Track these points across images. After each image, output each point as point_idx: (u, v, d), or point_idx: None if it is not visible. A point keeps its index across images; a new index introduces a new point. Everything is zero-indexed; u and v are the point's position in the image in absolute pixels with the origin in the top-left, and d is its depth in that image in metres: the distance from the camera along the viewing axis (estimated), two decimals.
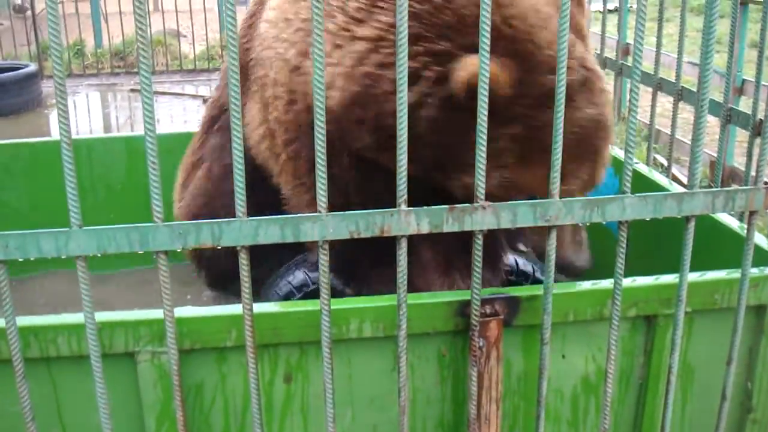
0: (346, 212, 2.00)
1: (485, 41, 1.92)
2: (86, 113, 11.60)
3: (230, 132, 1.95)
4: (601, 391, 2.40)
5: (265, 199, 3.06)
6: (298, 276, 3.30)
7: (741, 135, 8.46)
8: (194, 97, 12.38)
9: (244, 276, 2.03)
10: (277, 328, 2.33)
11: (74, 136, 5.57)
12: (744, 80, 7.59)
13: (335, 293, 3.04)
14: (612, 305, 2.24)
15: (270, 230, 1.99)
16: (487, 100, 1.97)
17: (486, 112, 1.98)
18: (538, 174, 2.58)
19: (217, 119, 3.99)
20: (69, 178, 1.88)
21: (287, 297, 3.23)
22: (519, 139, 2.61)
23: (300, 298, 3.20)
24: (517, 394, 2.56)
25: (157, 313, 2.22)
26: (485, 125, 1.98)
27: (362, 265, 3.05)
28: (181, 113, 11.39)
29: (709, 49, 2.09)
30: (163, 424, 2.36)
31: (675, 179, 5.99)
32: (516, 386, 2.55)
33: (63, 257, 1.96)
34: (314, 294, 3.14)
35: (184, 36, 15.34)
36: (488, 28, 1.91)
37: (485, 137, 1.99)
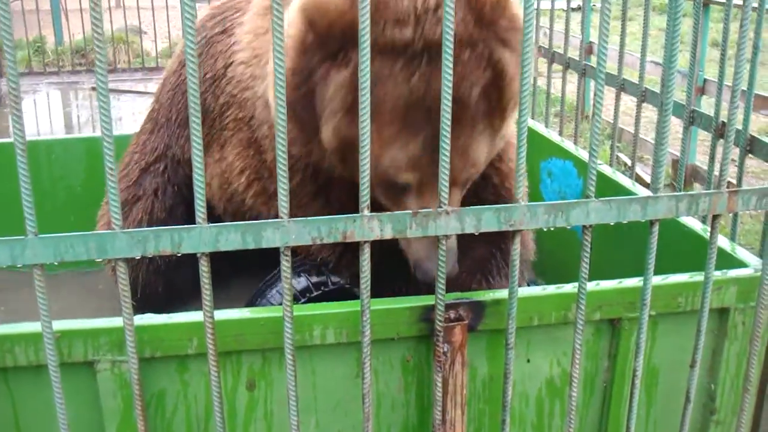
0: (308, 218, 1.98)
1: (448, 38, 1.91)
2: (47, 112, 11.45)
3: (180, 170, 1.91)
4: (566, 394, 2.39)
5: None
6: (301, 282, 3.24)
7: (703, 133, 8.55)
8: None
9: (205, 283, 1.99)
10: (240, 335, 2.30)
11: (34, 137, 5.52)
12: (705, 80, 7.66)
13: (349, 295, 3.02)
14: (576, 309, 2.23)
15: (231, 237, 1.96)
16: (450, 100, 1.95)
17: (450, 115, 1.96)
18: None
19: (156, 163, 3.96)
20: (24, 184, 1.83)
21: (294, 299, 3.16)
22: (346, 86, 2.40)
23: (304, 303, 3.13)
24: (482, 399, 2.55)
25: (116, 321, 2.17)
26: (449, 126, 1.96)
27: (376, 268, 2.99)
28: (143, 111, 11.29)
29: (673, 55, 2.09)
30: None
31: (638, 179, 6.03)
32: (481, 391, 2.54)
33: (18, 266, 1.91)
34: (318, 299, 3.10)
35: (146, 33, 15.20)
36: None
37: (449, 139, 1.97)
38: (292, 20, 2.52)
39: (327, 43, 2.40)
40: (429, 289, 2.29)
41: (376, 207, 2.57)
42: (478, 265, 3.05)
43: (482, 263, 3.07)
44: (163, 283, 4.02)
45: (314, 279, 3.19)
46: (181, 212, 3.90)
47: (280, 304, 3.13)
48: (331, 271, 3.19)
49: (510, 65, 2.42)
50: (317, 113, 2.52)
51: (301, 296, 3.16)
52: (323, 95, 2.47)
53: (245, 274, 3.75)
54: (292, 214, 3.07)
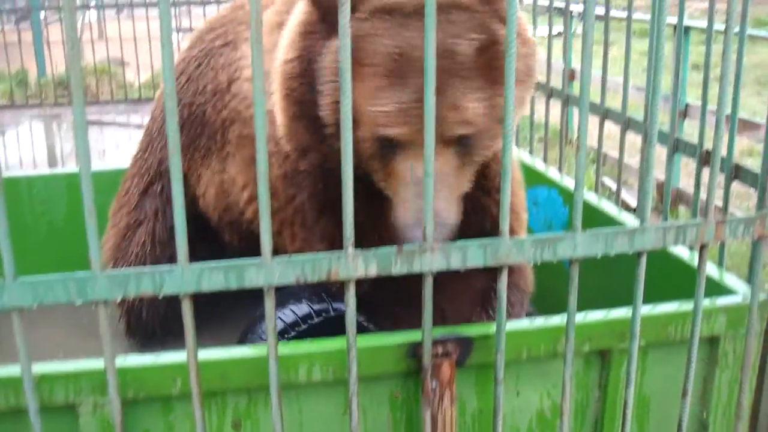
0: (292, 257, 1.95)
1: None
2: (30, 144, 11.40)
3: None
4: (557, 427, 2.36)
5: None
6: (302, 308, 3.19)
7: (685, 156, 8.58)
8: (140, 127, 12.23)
9: (188, 324, 1.96)
10: (224, 375, 2.27)
11: (15, 173, 5.45)
12: (687, 104, 7.70)
13: (359, 329, 2.95)
14: (566, 341, 2.21)
15: (213, 277, 1.92)
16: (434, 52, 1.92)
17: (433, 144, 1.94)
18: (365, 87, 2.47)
19: (153, 184, 3.96)
20: (0, 225, 1.80)
21: (283, 333, 3.11)
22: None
23: (303, 331, 3.09)
24: None
25: (98, 363, 2.13)
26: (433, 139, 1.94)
27: (385, 302, 2.97)
28: (127, 143, 11.25)
29: (656, 87, 2.08)
30: None
31: (624, 204, 6.02)
32: (471, 425, 2.51)
33: None
34: (319, 326, 3.03)
35: (128, 64, 15.18)
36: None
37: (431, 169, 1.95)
38: (298, 10, 2.64)
39: (327, 16, 2.46)
40: (375, 321, 2.27)
41: (367, 174, 2.61)
42: (479, 297, 3.05)
43: (483, 296, 3.06)
44: (165, 306, 3.98)
45: (316, 306, 3.14)
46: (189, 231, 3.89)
47: (280, 332, 3.10)
48: (332, 296, 3.16)
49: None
50: (319, 100, 2.56)
51: (302, 323, 3.11)
52: (321, 73, 2.53)
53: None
54: (294, 234, 3.08)
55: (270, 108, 2.92)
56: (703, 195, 3.56)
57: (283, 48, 2.76)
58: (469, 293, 2.96)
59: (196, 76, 3.64)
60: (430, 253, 2.01)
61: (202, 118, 3.56)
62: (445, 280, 3.05)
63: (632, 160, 8.57)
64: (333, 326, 2.85)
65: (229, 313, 3.70)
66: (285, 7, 3.23)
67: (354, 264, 1.97)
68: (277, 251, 3.16)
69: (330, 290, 3.06)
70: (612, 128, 4.30)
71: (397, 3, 2.44)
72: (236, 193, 3.41)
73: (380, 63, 2.43)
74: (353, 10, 2.30)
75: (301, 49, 2.60)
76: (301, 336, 2.97)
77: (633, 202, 7.72)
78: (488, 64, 2.47)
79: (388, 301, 2.93)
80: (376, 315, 2.97)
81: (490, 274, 3.02)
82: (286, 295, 3.18)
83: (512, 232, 2.15)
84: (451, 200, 2.51)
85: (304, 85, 2.61)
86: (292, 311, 3.13)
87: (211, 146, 3.55)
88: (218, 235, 3.83)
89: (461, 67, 2.43)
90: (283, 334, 3.01)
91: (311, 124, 2.65)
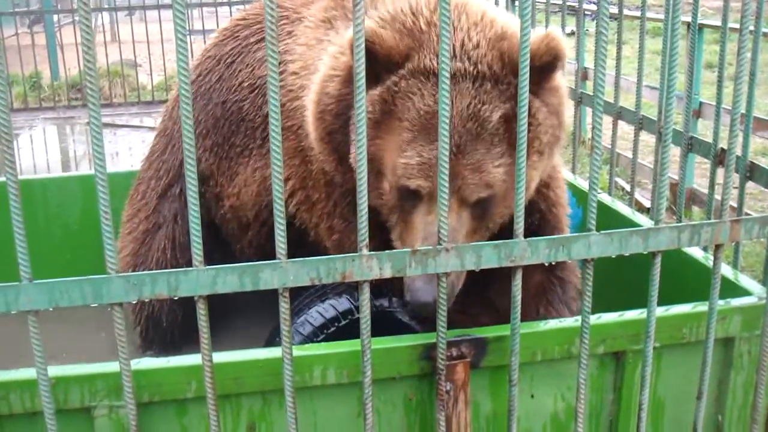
0: (306, 258, 1.95)
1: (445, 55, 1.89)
2: (43, 148, 11.42)
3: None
4: (572, 429, 2.36)
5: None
6: (343, 303, 3.18)
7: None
8: (152, 129, 12.25)
9: (203, 326, 1.96)
10: (239, 378, 2.27)
11: (29, 176, 5.46)
12: (701, 102, 7.65)
13: (391, 319, 2.97)
14: (580, 343, 2.20)
15: (228, 279, 1.93)
16: (448, 131, 1.93)
17: (447, 150, 1.94)
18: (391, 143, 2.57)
19: (172, 186, 3.93)
20: (17, 228, 1.81)
21: (323, 327, 3.10)
22: (375, 101, 2.58)
23: (343, 327, 3.08)
24: None
25: (113, 366, 2.13)
26: (447, 159, 1.95)
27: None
28: (140, 145, 11.27)
29: (671, 88, 2.08)
30: None
31: (638, 205, 6.01)
32: (485, 428, 2.50)
33: (13, 312, 1.88)
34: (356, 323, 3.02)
35: (141, 66, 15.21)
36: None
37: (447, 173, 1.95)
38: (344, 48, 2.72)
39: (374, 67, 2.53)
40: (418, 318, 2.30)
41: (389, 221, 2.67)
42: (539, 292, 3.11)
43: (543, 291, 3.13)
44: (183, 313, 3.96)
45: (357, 302, 3.13)
46: (204, 234, 3.87)
47: (304, 338, 3.10)
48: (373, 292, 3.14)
49: (539, 112, 2.58)
50: (351, 140, 2.67)
51: (342, 318, 3.11)
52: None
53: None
54: (332, 227, 3.11)
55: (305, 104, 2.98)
56: (717, 195, 3.55)
57: (324, 68, 2.84)
58: (528, 289, 2.97)
59: (228, 74, 3.62)
60: (444, 254, 2.01)
61: (239, 115, 3.55)
62: (498, 274, 3.07)
63: (645, 160, 8.54)
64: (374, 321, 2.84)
65: (256, 322, 3.69)
66: (333, 3, 3.25)
67: (368, 265, 1.97)
68: (315, 243, 3.20)
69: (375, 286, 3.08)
70: (625, 129, 4.29)
71: (435, 67, 2.53)
72: None
73: (411, 119, 2.52)
74: (398, 66, 2.52)
75: (342, 92, 2.70)
76: (341, 332, 2.97)
77: (647, 203, 7.68)
78: (513, 133, 2.49)
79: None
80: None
81: (548, 270, 3.10)
82: (325, 290, 3.18)
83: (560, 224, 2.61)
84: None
85: (336, 124, 2.73)
86: (333, 306, 3.12)
87: (249, 143, 3.53)
88: (230, 246, 3.82)
89: (486, 132, 2.50)
90: (323, 329, 3.02)
91: (338, 154, 2.78)
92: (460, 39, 2.57)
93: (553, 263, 3.03)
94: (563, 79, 2.81)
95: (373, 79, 2.54)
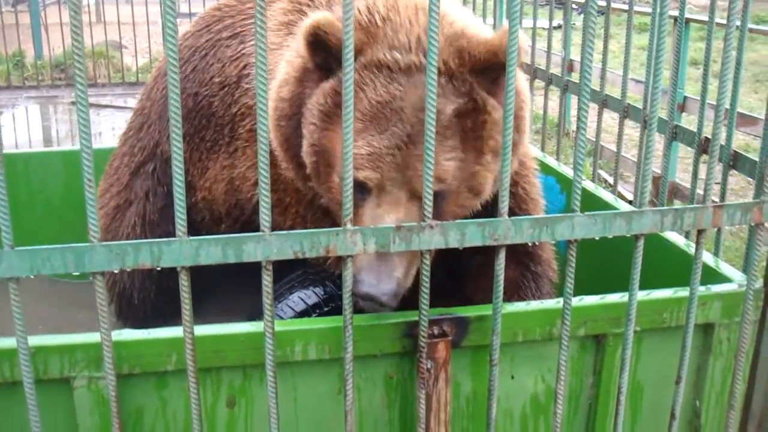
0: (290, 231, 1.95)
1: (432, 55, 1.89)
2: (26, 126, 11.35)
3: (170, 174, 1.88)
4: (551, 411, 2.37)
5: None
6: (327, 290, 3.17)
7: (683, 151, 8.59)
8: None
9: (185, 297, 1.96)
10: (220, 351, 2.26)
11: (12, 150, 5.43)
12: (686, 97, 7.69)
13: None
14: (561, 325, 2.21)
15: (212, 250, 1.92)
16: (434, 117, 1.93)
17: (433, 129, 1.94)
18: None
19: (145, 164, 3.92)
20: (0, 196, 1.79)
21: (304, 313, 3.10)
22: (327, 93, 2.58)
23: (326, 313, 3.08)
24: (466, 416, 2.52)
25: (94, 337, 2.12)
26: (433, 141, 1.95)
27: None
28: (123, 125, 11.21)
29: (657, 70, 2.08)
30: None
31: (620, 196, 6.03)
32: (465, 408, 2.51)
33: None
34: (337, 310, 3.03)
35: (126, 48, 15.12)
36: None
37: (433, 151, 1.95)
38: (298, 49, 2.69)
39: (323, 63, 2.56)
40: (365, 305, 2.30)
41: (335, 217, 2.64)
42: (512, 287, 3.09)
43: (517, 287, 3.12)
44: (155, 290, 3.97)
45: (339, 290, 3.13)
46: (173, 213, 3.86)
47: (300, 313, 3.09)
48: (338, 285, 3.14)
49: (495, 111, 2.53)
50: (303, 136, 2.66)
51: (324, 305, 3.11)
52: (307, 115, 2.63)
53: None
54: (306, 228, 3.09)
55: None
56: (699, 190, 3.57)
57: (281, 74, 2.84)
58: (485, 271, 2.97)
59: (201, 67, 3.60)
60: (429, 231, 2.01)
61: (209, 110, 3.54)
62: (474, 271, 3.07)
63: (629, 153, 8.57)
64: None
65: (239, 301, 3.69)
66: (292, 5, 3.24)
67: (352, 240, 1.97)
68: None
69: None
70: (610, 121, 4.30)
71: (387, 60, 2.53)
72: (246, 190, 3.38)
73: (362, 109, 2.50)
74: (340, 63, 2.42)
75: (294, 94, 2.71)
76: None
77: (629, 196, 7.72)
78: (468, 130, 2.52)
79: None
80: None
81: (520, 264, 3.10)
82: (307, 275, 3.19)
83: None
84: (398, 266, 2.41)
85: (290, 128, 2.73)
86: (315, 293, 3.13)
87: (218, 139, 3.52)
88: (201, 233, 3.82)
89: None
90: (304, 315, 3.02)
91: (297, 164, 2.78)
92: (416, 34, 2.57)
93: (527, 260, 3.11)
94: (524, 81, 2.80)
95: (326, 72, 2.56)
